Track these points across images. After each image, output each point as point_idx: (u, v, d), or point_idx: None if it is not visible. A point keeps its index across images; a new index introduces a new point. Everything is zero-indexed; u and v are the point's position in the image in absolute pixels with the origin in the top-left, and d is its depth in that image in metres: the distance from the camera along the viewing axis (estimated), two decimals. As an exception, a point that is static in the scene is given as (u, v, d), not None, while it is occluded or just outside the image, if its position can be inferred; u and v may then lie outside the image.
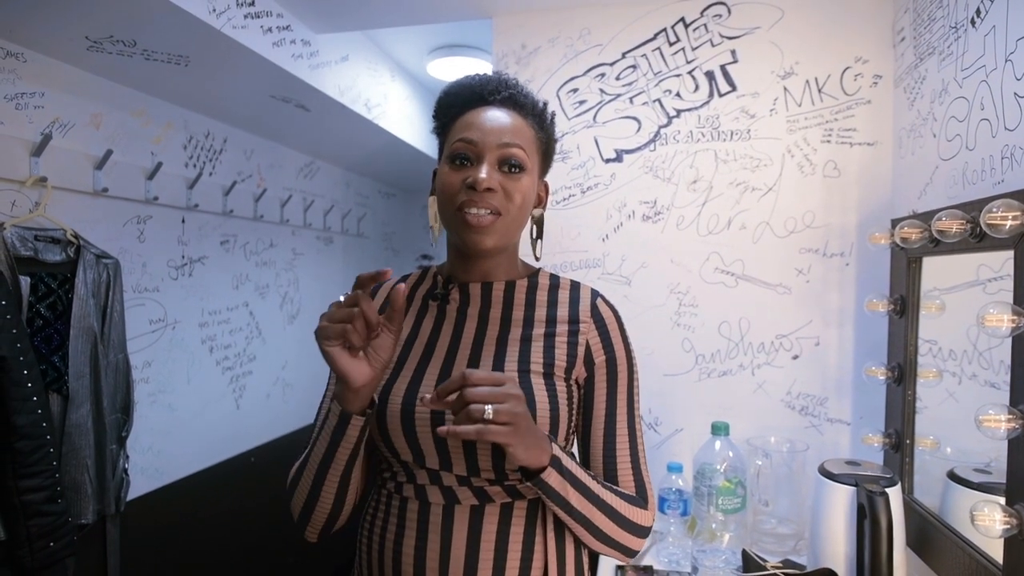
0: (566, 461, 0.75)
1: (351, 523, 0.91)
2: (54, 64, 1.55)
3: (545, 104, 0.89)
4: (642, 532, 0.82)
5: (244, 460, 2.31)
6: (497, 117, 0.82)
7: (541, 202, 0.90)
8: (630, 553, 0.83)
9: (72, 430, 1.46)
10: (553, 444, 0.74)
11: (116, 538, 1.70)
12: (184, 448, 2.02)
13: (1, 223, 1.39)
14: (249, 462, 2.34)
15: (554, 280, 0.90)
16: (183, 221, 2.01)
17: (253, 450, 2.37)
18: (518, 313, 0.85)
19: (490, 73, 0.88)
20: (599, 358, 0.84)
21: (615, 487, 0.81)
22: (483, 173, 0.78)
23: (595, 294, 0.88)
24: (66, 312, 1.48)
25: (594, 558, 0.93)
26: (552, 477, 0.73)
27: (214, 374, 2.17)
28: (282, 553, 2.45)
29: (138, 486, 1.78)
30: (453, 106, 0.86)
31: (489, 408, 0.65)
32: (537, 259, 0.91)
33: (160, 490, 1.91)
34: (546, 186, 0.91)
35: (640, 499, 0.83)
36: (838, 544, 1.12)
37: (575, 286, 0.89)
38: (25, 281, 1.40)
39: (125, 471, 1.62)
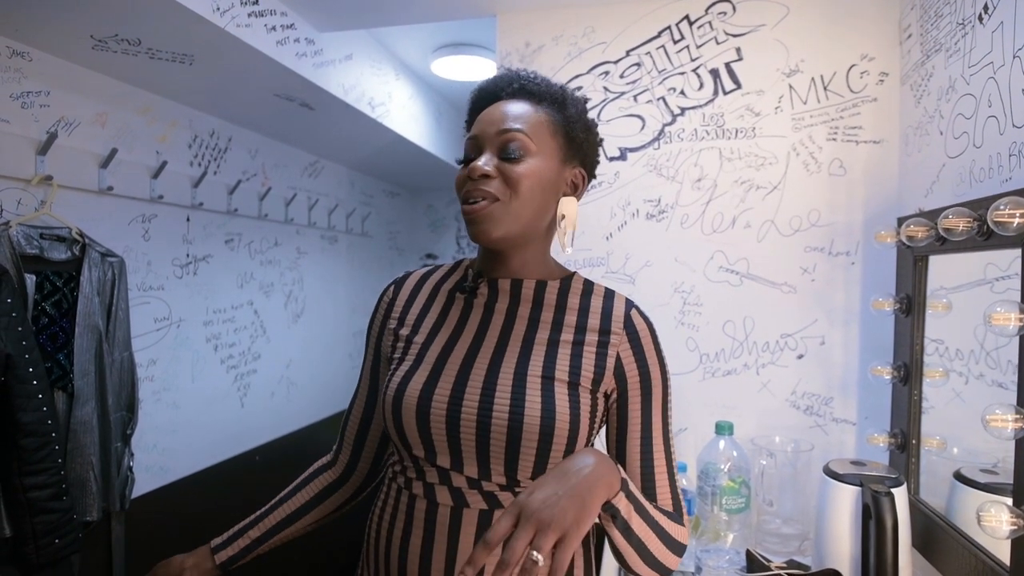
0: (630, 484, 0.73)
1: (359, 522, 0.91)
2: (59, 63, 1.56)
3: (565, 88, 0.84)
4: (682, 550, 0.79)
5: (248, 458, 2.32)
6: (500, 108, 0.81)
7: (576, 190, 0.85)
8: (668, 574, 0.79)
9: (77, 427, 1.46)
10: (618, 466, 0.71)
11: (121, 535, 1.71)
12: (189, 446, 2.03)
13: (7, 221, 1.39)
14: (254, 460, 2.34)
15: (588, 286, 0.86)
16: (188, 220, 2.01)
17: (257, 448, 2.37)
18: (547, 314, 0.83)
19: (503, 71, 0.87)
20: (632, 374, 0.80)
21: (659, 506, 0.79)
22: (479, 161, 0.77)
23: (629, 304, 0.84)
24: (71, 310, 1.49)
25: (598, 563, 0.92)
26: (622, 502, 0.70)
27: (219, 372, 2.18)
28: (287, 551, 2.45)
29: (143, 484, 1.78)
30: (474, 111, 0.86)
31: (536, 554, 0.58)
32: (564, 251, 0.84)
33: (165, 488, 1.92)
34: (582, 174, 0.86)
35: (678, 515, 0.81)
36: (843, 545, 1.12)
37: (609, 294, 0.85)
38: (31, 279, 1.41)
39: (130, 469, 1.63)
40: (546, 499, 0.61)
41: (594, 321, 0.82)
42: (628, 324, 0.82)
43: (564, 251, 0.83)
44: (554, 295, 0.85)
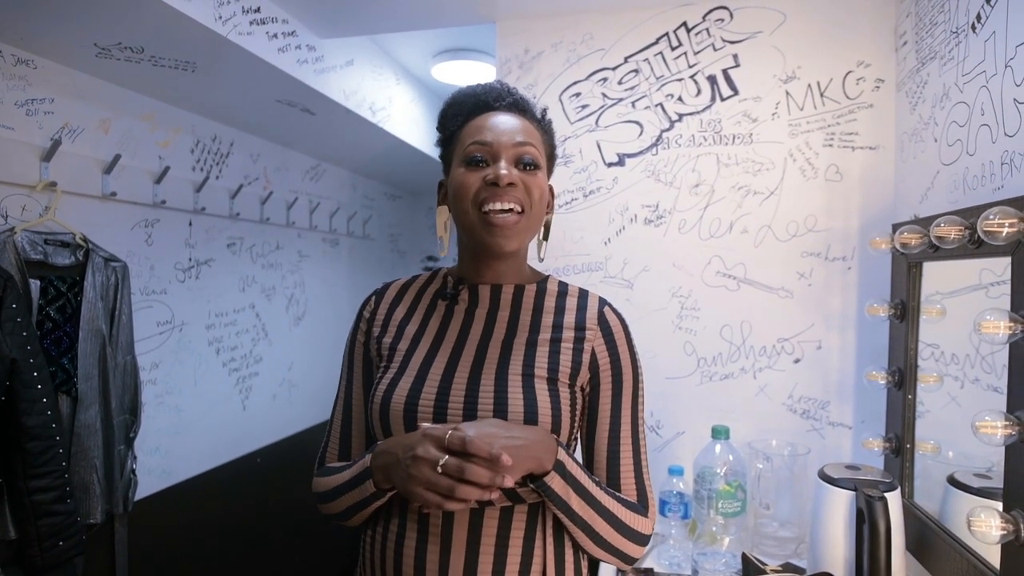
0: (570, 466, 0.76)
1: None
2: (64, 71, 1.58)
3: (545, 110, 0.91)
4: (642, 540, 0.83)
5: (250, 461, 2.34)
6: (507, 120, 0.84)
7: (549, 205, 0.91)
8: (629, 560, 0.83)
9: (81, 431, 1.48)
10: (560, 449, 0.76)
11: (124, 537, 1.72)
12: (191, 449, 2.04)
13: (12, 227, 1.41)
14: (255, 463, 2.36)
15: (562, 287, 0.91)
16: (190, 224, 2.03)
17: (259, 451, 2.39)
18: (525, 318, 0.86)
19: (491, 82, 0.90)
20: (604, 367, 0.84)
21: (617, 493, 0.82)
22: (503, 169, 0.79)
23: (602, 302, 0.88)
24: (75, 315, 1.50)
25: (594, 562, 0.93)
26: (555, 481, 0.75)
27: (221, 375, 2.19)
28: (288, 552, 2.47)
29: (146, 486, 1.80)
30: (459, 115, 0.87)
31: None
32: (540, 260, 0.92)
33: (167, 490, 1.93)
34: (551, 189, 0.93)
35: (641, 507, 0.83)
36: (838, 548, 1.13)
37: (583, 294, 0.90)
38: (35, 284, 1.42)
39: (133, 471, 1.64)
40: (487, 435, 0.70)
41: (569, 319, 0.86)
42: (602, 320, 0.86)
43: (540, 260, 0.92)
44: (531, 298, 0.88)
